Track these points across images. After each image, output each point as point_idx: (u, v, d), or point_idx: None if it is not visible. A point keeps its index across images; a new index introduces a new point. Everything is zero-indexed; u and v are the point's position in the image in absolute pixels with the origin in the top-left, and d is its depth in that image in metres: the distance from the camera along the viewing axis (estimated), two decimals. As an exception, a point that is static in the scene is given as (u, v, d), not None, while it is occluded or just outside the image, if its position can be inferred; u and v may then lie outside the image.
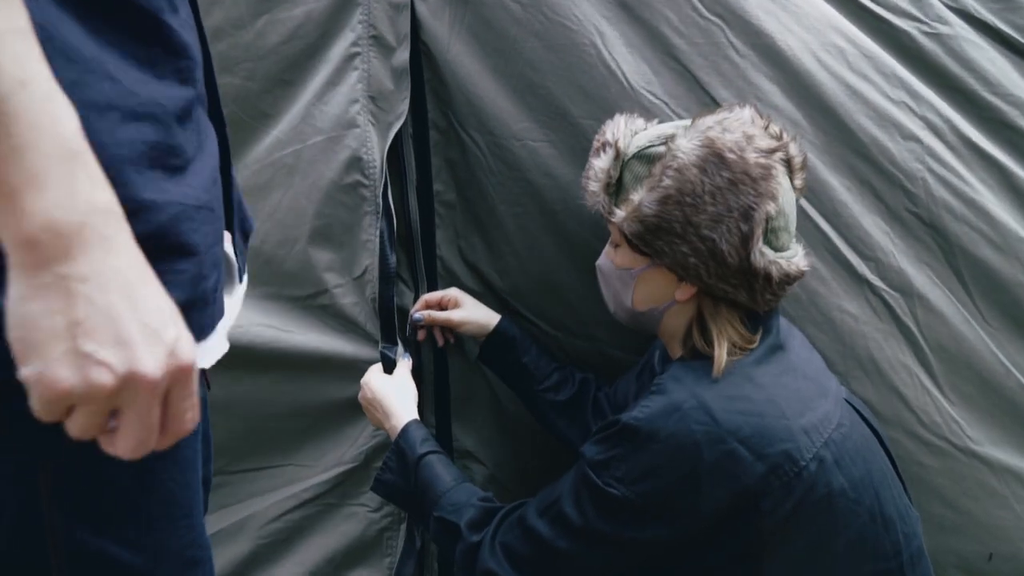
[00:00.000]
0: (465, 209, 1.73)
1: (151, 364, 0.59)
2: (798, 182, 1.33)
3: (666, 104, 1.65)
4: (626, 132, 1.36)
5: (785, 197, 1.28)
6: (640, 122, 1.41)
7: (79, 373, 0.57)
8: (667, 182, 1.25)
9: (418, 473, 1.45)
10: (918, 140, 1.64)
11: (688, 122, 1.33)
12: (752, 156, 1.24)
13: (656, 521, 1.23)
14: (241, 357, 1.61)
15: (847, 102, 1.62)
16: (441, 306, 1.70)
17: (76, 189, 0.57)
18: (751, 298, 1.29)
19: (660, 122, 1.42)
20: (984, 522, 1.65)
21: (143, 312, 0.60)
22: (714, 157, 1.23)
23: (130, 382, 0.59)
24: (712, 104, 1.61)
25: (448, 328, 1.71)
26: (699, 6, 1.64)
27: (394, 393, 1.57)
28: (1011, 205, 1.67)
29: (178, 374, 0.62)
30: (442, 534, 1.40)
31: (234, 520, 1.68)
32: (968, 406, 1.68)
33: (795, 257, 1.32)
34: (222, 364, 1.54)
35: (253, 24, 1.57)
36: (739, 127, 1.27)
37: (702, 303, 1.32)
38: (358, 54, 1.62)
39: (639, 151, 1.33)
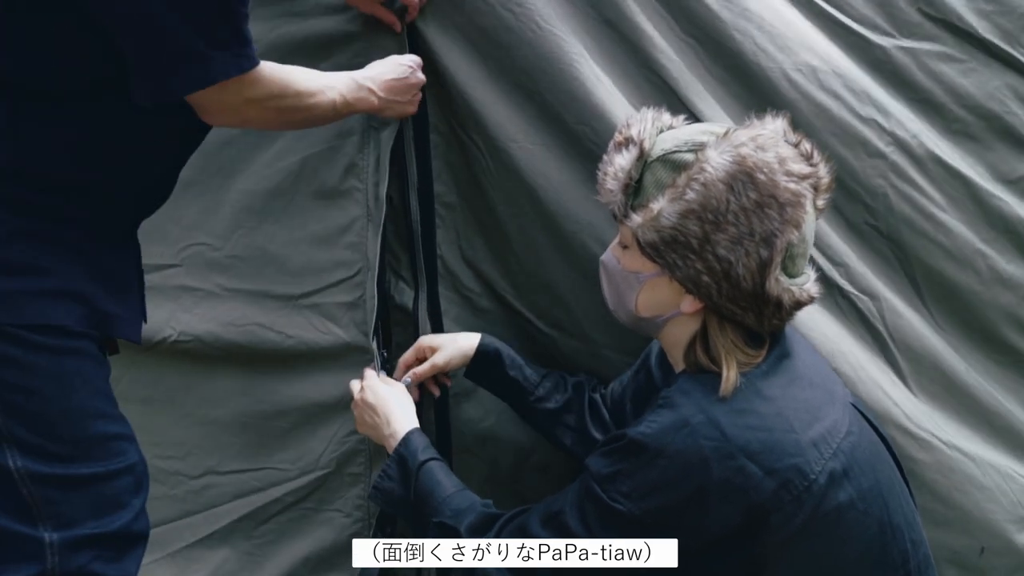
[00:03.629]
0: (466, 210, 1.71)
1: None
2: (820, 203, 1.25)
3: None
4: (651, 131, 1.26)
5: (808, 223, 1.22)
6: (667, 117, 1.31)
7: None
8: (691, 195, 1.17)
9: (419, 480, 1.40)
10: (883, 156, 1.69)
11: (719, 129, 1.24)
12: (783, 180, 1.17)
13: (661, 537, 1.18)
14: (238, 353, 1.66)
15: (815, 121, 1.66)
16: (419, 360, 1.65)
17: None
18: (758, 321, 1.22)
19: (688, 120, 1.34)
20: (975, 516, 1.68)
21: None
22: (744, 176, 1.16)
23: None
24: (692, 117, 1.63)
25: (438, 373, 1.68)
26: (676, 27, 1.67)
27: (395, 400, 1.54)
28: (973, 216, 1.74)
29: None
30: (443, 539, 1.35)
31: (227, 522, 1.68)
32: (935, 403, 1.73)
33: (807, 283, 1.26)
34: (222, 357, 1.68)
35: (267, 37, 1.59)
36: (773, 146, 1.19)
37: (708, 318, 1.25)
38: (357, 64, 1.61)
39: (664, 154, 1.23)
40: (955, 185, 1.73)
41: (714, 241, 1.17)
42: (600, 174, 1.30)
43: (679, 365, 1.31)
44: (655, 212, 1.20)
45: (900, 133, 1.70)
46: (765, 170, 1.16)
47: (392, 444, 1.48)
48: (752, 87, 1.67)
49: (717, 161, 1.17)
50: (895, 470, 1.32)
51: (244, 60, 1.20)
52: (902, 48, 1.73)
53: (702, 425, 1.15)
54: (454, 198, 1.71)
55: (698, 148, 1.21)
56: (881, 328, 1.70)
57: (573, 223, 1.64)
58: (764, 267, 1.18)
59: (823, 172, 1.24)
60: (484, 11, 1.61)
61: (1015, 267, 1.76)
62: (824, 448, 1.19)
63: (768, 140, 1.19)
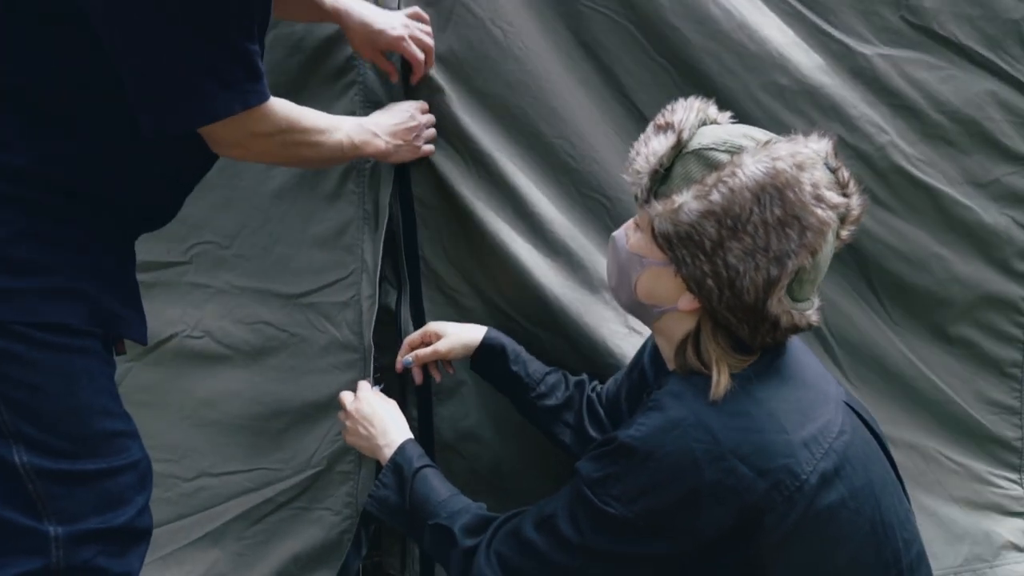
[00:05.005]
0: (447, 210, 1.72)
1: None
2: (844, 233, 1.21)
3: (617, 136, 1.74)
4: (694, 121, 1.21)
5: (825, 251, 1.18)
6: (713, 111, 1.26)
7: None
8: (716, 197, 1.13)
9: (414, 486, 1.39)
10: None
11: (762, 136, 1.19)
12: (812, 204, 1.12)
13: (654, 539, 1.17)
14: (246, 350, 1.68)
15: None
16: (424, 342, 1.65)
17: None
18: (751, 336, 1.19)
19: (735, 119, 1.28)
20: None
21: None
22: (774, 190, 1.11)
23: None
24: None
25: (441, 360, 1.68)
26: (649, 49, 1.73)
27: (390, 413, 1.54)
28: (934, 223, 1.83)
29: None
30: (438, 540, 1.35)
31: (219, 524, 1.67)
32: (869, 389, 1.82)
33: (809, 309, 1.22)
34: (223, 357, 1.70)
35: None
36: (811, 167, 1.14)
37: (702, 321, 1.21)
38: (355, 67, 1.64)
39: (700, 149, 1.18)
40: (917, 194, 1.81)
41: (727, 248, 1.13)
42: (632, 152, 1.24)
43: (671, 363, 1.29)
44: (676, 205, 1.15)
45: (863, 147, 1.77)
46: (796, 189, 1.12)
47: (387, 454, 1.46)
48: (720, 107, 1.70)
49: (751, 169, 1.12)
50: (888, 469, 1.31)
51: (252, 96, 1.19)
52: (883, 56, 1.78)
53: (692, 427, 1.14)
54: (434, 200, 1.72)
55: (735, 151, 1.16)
56: (821, 325, 1.77)
57: (552, 225, 1.69)
58: (770, 285, 1.14)
59: (855, 204, 1.20)
60: (472, 24, 1.64)
61: (971, 268, 1.86)
62: (816, 448, 1.17)
63: (808, 160, 1.14)
